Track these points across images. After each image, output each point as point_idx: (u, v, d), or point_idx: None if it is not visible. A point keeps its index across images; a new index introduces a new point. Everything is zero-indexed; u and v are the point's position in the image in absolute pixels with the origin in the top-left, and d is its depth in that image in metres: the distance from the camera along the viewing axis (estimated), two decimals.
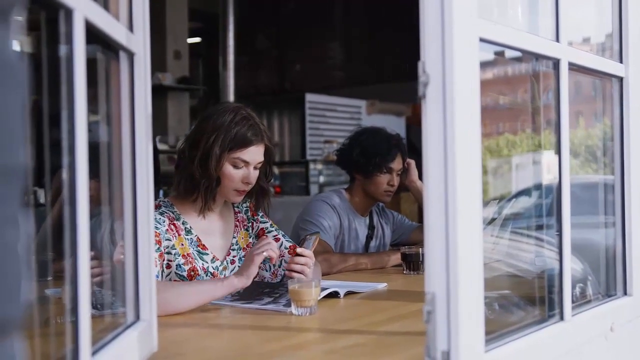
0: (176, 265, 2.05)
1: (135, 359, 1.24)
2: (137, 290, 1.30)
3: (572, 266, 1.47)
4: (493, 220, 1.87)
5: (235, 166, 2.09)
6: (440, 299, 1.11)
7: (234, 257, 2.22)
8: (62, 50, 0.95)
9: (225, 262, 2.18)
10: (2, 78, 0.49)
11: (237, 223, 2.27)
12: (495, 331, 1.26)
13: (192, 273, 2.07)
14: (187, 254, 2.09)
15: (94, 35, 1.05)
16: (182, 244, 2.08)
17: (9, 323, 0.51)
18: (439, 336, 1.11)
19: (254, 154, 2.10)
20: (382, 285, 2.26)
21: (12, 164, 0.50)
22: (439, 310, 1.11)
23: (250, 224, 2.30)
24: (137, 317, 1.31)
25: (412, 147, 4.70)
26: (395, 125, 6.10)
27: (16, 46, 0.51)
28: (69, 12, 0.94)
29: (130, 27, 1.28)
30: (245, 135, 2.07)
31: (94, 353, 1.02)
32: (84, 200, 0.96)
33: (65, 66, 0.94)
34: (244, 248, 2.25)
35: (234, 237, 2.24)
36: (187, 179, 2.10)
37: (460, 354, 1.10)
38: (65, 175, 0.96)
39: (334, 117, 7.78)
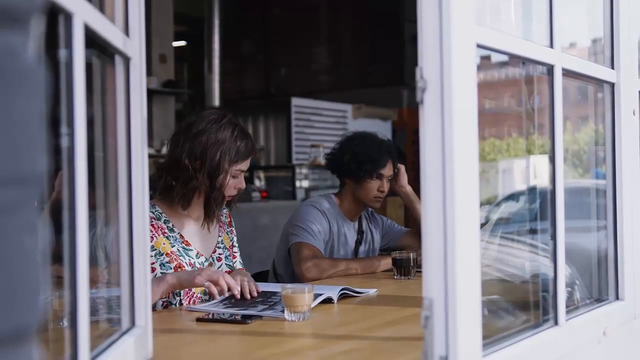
0: (160, 264, 2.08)
1: None
2: (132, 297, 1.29)
3: None
4: (483, 225, 1.87)
5: (235, 177, 2.19)
6: (438, 305, 1.11)
7: (219, 254, 2.28)
8: (61, 54, 0.94)
9: (211, 259, 2.24)
10: (22, 84, 0.48)
11: (221, 223, 2.35)
12: (491, 336, 1.26)
13: (179, 270, 2.11)
14: (171, 252, 2.12)
15: (91, 39, 1.04)
16: (164, 243, 2.10)
17: (29, 330, 0.50)
18: (436, 341, 1.11)
19: (248, 163, 2.23)
20: (372, 291, 2.25)
21: (31, 171, 0.49)
22: (437, 316, 1.11)
23: (230, 229, 2.39)
24: (133, 323, 1.29)
25: (398, 152, 4.70)
26: (381, 129, 6.10)
27: (34, 52, 0.51)
28: (68, 17, 0.93)
29: (126, 32, 1.27)
30: (247, 149, 2.19)
31: None
32: (83, 205, 0.95)
33: (65, 70, 0.93)
34: (228, 248, 2.32)
35: (219, 236, 2.31)
36: (192, 191, 2.13)
37: (458, 359, 1.10)
38: (63, 179, 0.95)
39: (320, 122, 7.75)
